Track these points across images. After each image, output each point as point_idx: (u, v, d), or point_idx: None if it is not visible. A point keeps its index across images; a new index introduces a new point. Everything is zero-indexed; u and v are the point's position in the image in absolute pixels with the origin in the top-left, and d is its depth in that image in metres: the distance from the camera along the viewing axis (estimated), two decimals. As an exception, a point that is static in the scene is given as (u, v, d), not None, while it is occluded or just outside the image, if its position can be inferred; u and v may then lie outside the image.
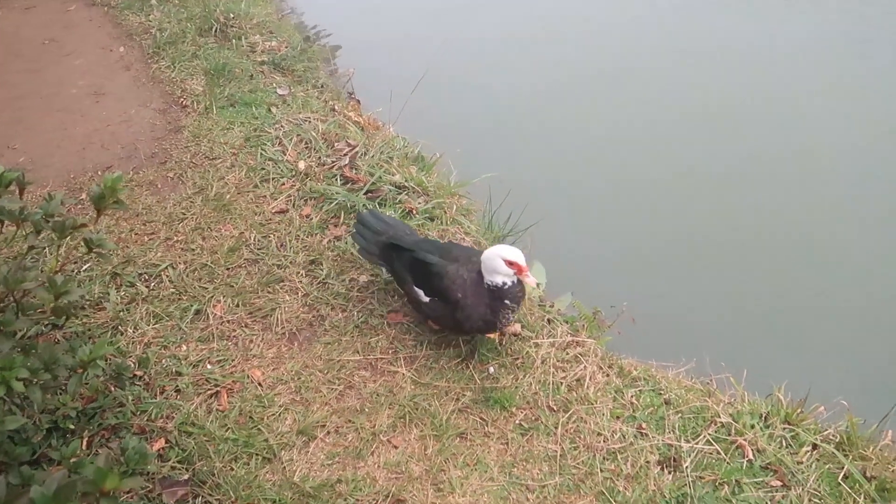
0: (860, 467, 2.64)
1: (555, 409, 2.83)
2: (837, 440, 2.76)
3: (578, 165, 5.12)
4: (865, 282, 4.35)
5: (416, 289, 2.91)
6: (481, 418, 2.80)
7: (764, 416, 2.83)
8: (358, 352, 3.02)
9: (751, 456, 2.67)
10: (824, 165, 5.26)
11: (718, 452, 2.68)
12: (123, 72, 4.94)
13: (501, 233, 3.84)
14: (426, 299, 2.89)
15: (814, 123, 5.68)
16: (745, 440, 2.71)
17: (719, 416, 2.81)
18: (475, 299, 2.75)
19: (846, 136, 5.53)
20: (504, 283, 2.72)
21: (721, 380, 3.04)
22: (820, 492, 2.57)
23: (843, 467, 2.63)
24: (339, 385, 2.89)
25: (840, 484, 2.59)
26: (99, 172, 3.96)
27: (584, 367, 2.98)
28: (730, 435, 2.75)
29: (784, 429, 2.78)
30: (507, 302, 2.74)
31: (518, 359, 3.02)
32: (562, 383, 2.92)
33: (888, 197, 4.96)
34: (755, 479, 2.60)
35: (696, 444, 2.71)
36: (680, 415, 2.83)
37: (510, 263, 2.68)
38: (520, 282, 2.74)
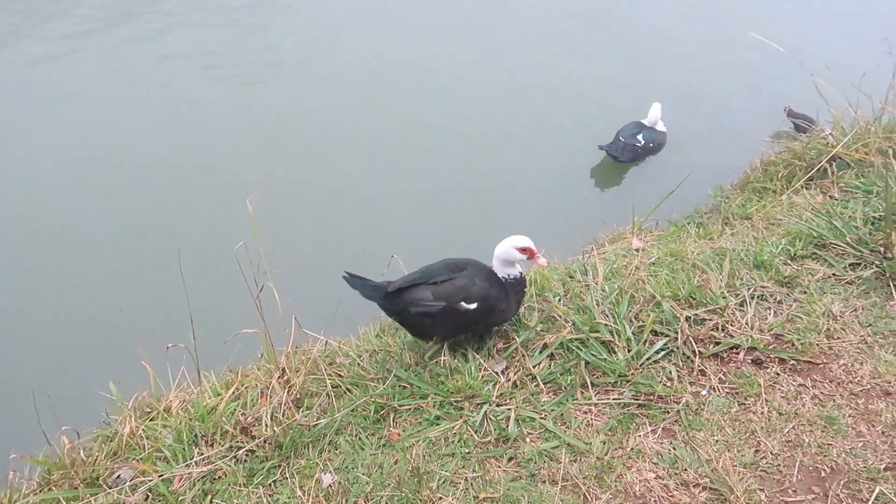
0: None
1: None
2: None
3: None
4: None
5: (463, 304, 2.83)
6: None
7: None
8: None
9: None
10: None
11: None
12: None
13: None
14: (471, 307, 2.82)
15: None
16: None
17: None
18: (507, 295, 2.90)
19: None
20: (521, 273, 2.90)
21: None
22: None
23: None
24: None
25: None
26: None
27: None
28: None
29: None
30: (524, 291, 2.99)
31: None
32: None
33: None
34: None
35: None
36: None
37: (523, 250, 2.80)
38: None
